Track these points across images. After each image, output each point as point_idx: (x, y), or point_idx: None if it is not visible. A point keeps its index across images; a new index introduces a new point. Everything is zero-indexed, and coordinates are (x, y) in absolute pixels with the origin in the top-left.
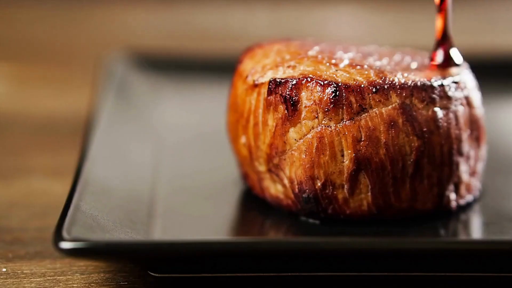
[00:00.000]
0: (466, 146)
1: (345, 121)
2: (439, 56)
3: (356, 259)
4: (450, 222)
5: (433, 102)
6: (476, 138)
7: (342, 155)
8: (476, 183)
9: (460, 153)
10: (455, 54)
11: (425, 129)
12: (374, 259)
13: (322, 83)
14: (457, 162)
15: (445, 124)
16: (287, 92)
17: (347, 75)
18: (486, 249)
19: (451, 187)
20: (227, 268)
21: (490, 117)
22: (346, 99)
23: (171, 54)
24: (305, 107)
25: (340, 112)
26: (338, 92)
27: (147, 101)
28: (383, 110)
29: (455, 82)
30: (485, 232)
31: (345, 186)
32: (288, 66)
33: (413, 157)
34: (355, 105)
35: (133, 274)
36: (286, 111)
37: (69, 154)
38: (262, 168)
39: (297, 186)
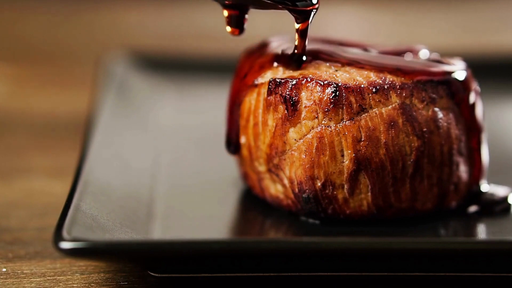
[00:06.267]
0: (466, 146)
1: (345, 121)
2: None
3: (356, 259)
4: (450, 222)
5: (433, 102)
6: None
7: (342, 155)
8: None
9: (460, 153)
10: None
11: (425, 129)
12: (374, 259)
13: (322, 83)
14: (457, 162)
15: (445, 124)
16: (287, 92)
17: (347, 75)
18: (486, 249)
19: (451, 187)
20: (227, 268)
21: (490, 117)
22: (346, 99)
23: (171, 54)
24: (305, 107)
25: (340, 112)
26: (338, 92)
27: (147, 101)
28: (383, 110)
29: (455, 82)
30: (485, 232)
31: (345, 186)
32: None
33: (413, 157)
34: (355, 105)
35: (133, 274)
36: (286, 111)
37: (69, 154)
38: (262, 168)
39: (297, 186)
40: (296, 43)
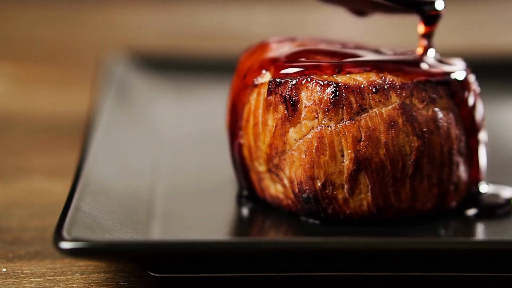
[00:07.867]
0: (466, 146)
1: (345, 121)
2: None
3: (356, 259)
4: (450, 222)
5: (433, 102)
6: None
7: (342, 155)
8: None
9: (460, 153)
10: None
11: (425, 129)
12: (374, 259)
13: (322, 83)
14: (457, 162)
15: (445, 124)
16: (287, 92)
17: (347, 75)
18: (486, 249)
19: (451, 187)
20: (227, 268)
21: (490, 117)
22: (346, 99)
23: (171, 54)
24: (305, 107)
25: (340, 112)
26: (338, 92)
27: (147, 101)
28: (383, 110)
29: (455, 82)
30: (485, 232)
31: (345, 186)
32: None
33: (413, 157)
34: (355, 105)
35: (133, 274)
36: (286, 111)
37: (69, 154)
38: (262, 168)
39: (297, 186)
40: (419, 49)
